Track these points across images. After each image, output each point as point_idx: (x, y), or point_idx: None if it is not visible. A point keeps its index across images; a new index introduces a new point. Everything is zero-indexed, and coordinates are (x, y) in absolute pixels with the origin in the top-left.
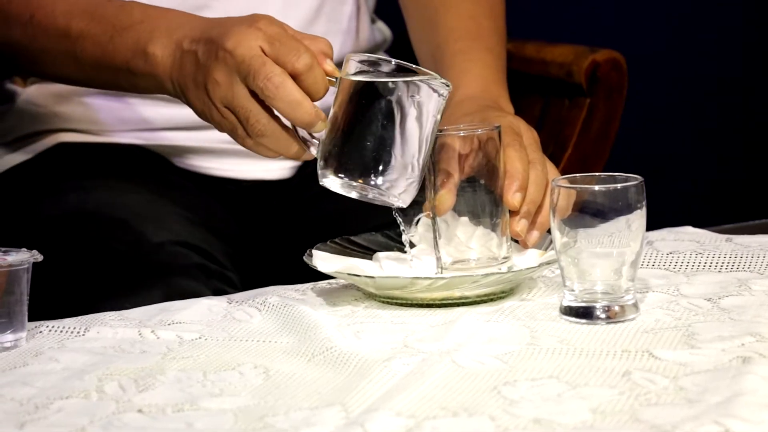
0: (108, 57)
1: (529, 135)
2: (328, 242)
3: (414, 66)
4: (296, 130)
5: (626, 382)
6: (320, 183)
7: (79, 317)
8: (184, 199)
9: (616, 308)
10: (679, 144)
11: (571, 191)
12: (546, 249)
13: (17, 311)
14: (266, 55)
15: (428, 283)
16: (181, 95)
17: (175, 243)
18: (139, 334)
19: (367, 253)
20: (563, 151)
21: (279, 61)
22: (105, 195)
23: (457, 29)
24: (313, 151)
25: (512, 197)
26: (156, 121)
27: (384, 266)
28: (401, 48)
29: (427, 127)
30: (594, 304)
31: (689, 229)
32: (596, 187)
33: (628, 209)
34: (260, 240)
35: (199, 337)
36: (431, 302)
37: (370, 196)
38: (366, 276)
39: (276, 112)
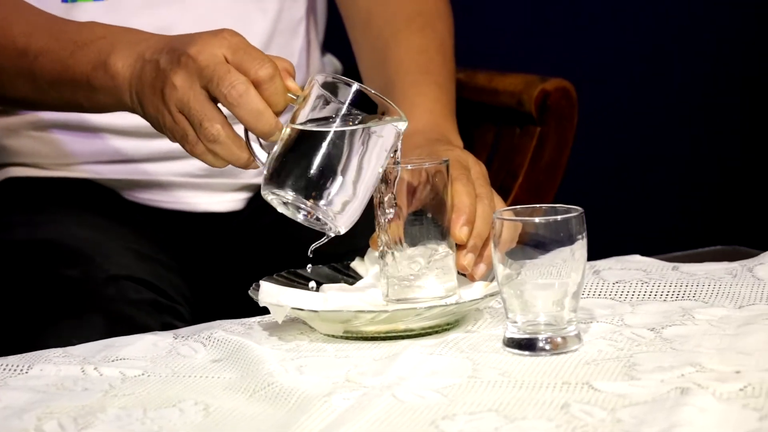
0: (68, 72)
1: (477, 169)
2: (274, 275)
3: (376, 94)
4: (247, 141)
5: (564, 414)
6: (262, 195)
7: (23, 354)
8: (134, 233)
9: (559, 339)
10: (631, 172)
11: (513, 223)
12: (491, 281)
13: None
14: (229, 63)
15: (371, 317)
16: (137, 105)
17: (123, 277)
18: (82, 371)
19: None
20: (514, 179)
21: (242, 69)
22: (54, 229)
23: (407, 63)
24: (260, 163)
25: (459, 231)
26: (107, 153)
27: (329, 299)
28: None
29: (378, 160)
30: (537, 336)
31: (636, 257)
32: (537, 219)
33: (569, 240)
34: (212, 272)
35: (142, 374)
36: (376, 335)
37: (310, 217)
38: (310, 310)
39: (229, 121)
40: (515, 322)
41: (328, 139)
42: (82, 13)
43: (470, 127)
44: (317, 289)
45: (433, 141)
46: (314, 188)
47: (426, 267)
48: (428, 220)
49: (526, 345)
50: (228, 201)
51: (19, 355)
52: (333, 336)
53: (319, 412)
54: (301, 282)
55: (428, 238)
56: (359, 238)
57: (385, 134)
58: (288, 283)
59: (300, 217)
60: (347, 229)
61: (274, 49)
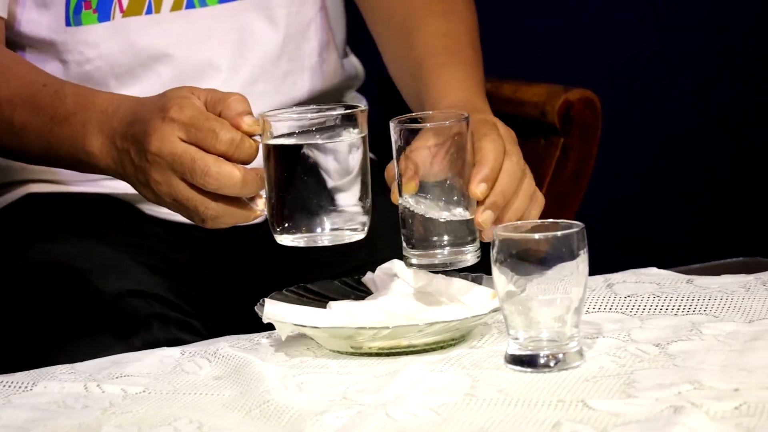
0: (53, 148)
1: (505, 130)
2: (284, 290)
3: (328, 107)
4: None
5: None
6: (277, 242)
7: (29, 371)
8: (151, 247)
9: (561, 356)
10: (653, 183)
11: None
12: None
13: None
14: (187, 143)
15: (373, 333)
16: (132, 186)
17: (137, 293)
18: (85, 388)
19: (324, 301)
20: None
21: (201, 147)
22: (70, 245)
23: (434, 46)
24: (263, 209)
25: (476, 187)
26: None
27: (334, 315)
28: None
29: (353, 164)
30: (539, 352)
31: (653, 270)
32: (537, 235)
33: (570, 256)
34: (230, 285)
35: (143, 391)
36: (380, 351)
37: (322, 243)
38: (312, 326)
39: None
40: (517, 339)
41: (297, 162)
42: (88, 36)
43: None
44: (327, 305)
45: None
46: (305, 223)
47: (447, 224)
48: (449, 183)
49: (528, 361)
50: None
51: (24, 372)
52: (339, 352)
53: (310, 431)
54: (310, 297)
55: (450, 195)
56: (372, 252)
57: (351, 137)
58: (297, 298)
59: (318, 244)
60: (366, 232)
61: (284, 55)
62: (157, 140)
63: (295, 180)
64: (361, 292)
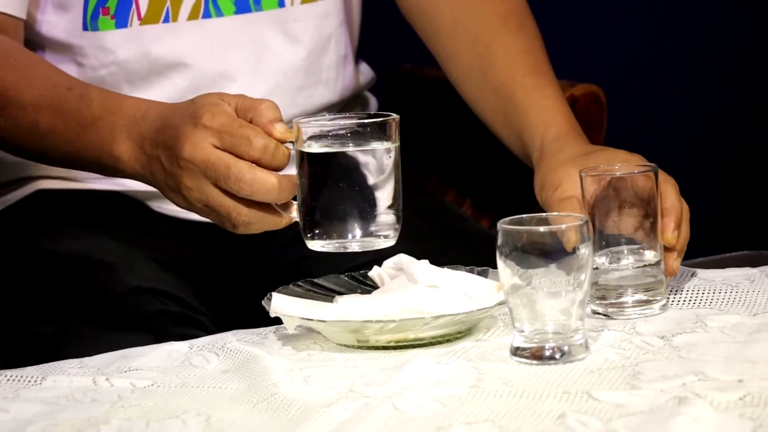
0: (78, 153)
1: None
2: (290, 285)
3: (361, 115)
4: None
5: (560, 425)
6: (309, 247)
7: (39, 366)
8: (159, 244)
9: (566, 348)
10: None
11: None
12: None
13: None
14: (221, 150)
15: (379, 326)
16: (160, 191)
17: (145, 289)
18: (94, 382)
19: (331, 295)
20: None
21: (234, 153)
22: (79, 241)
23: (520, 65)
24: (295, 216)
25: (672, 235)
26: None
27: (341, 309)
28: (392, 87)
29: (385, 171)
30: (544, 345)
31: None
32: (542, 228)
33: (575, 249)
34: (237, 281)
35: (152, 384)
36: (387, 345)
37: (353, 249)
38: (318, 320)
39: None
40: (522, 331)
41: (330, 170)
42: (105, 42)
43: None
44: (333, 299)
45: (576, 140)
46: (337, 228)
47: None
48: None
49: (534, 354)
50: None
51: (35, 366)
52: (346, 345)
53: (317, 423)
54: (317, 291)
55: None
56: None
57: (384, 148)
58: (304, 292)
59: (349, 249)
60: (395, 239)
61: (301, 71)
62: (189, 146)
63: (328, 186)
64: (368, 287)
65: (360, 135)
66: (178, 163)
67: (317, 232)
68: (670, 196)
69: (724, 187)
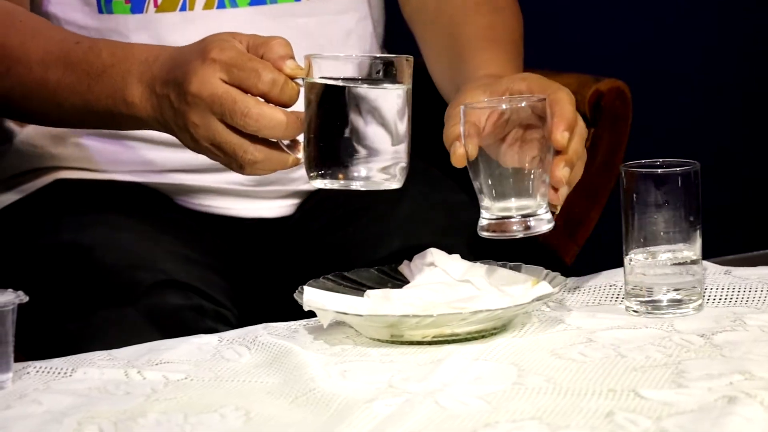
0: (90, 105)
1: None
2: (321, 278)
3: (373, 56)
4: (280, 141)
5: (608, 423)
6: (311, 184)
7: (68, 357)
8: (183, 237)
9: (532, 222)
10: None
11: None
12: (542, 278)
13: (2, 353)
14: (229, 84)
15: (416, 321)
16: (170, 134)
17: (169, 283)
18: (126, 375)
19: (361, 289)
20: None
21: (242, 87)
22: (102, 233)
23: (476, 37)
24: (299, 155)
25: (561, 135)
26: (155, 163)
27: (375, 303)
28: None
29: (394, 111)
30: (511, 220)
31: None
32: (504, 106)
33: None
34: (261, 277)
35: (185, 378)
36: (422, 340)
37: (356, 188)
38: (354, 314)
39: None
40: (489, 209)
41: (339, 107)
42: (119, 26)
43: None
44: (364, 293)
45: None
46: (342, 164)
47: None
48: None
49: (498, 228)
50: (278, 207)
51: (63, 358)
52: (379, 340)
53: (360, 419)
54: (347, 285)
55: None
56: (409, 238)
57: (395, 87)
58: (334, 286)
59: (352, 186)
60: (402, 182)
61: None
62: (197, 81)
63: (335, 124)
64: (398, 281)
65: (372, 74)
66: (185, 99)
67: (322, 170)
68: (560, 102)
69: (752, 183)
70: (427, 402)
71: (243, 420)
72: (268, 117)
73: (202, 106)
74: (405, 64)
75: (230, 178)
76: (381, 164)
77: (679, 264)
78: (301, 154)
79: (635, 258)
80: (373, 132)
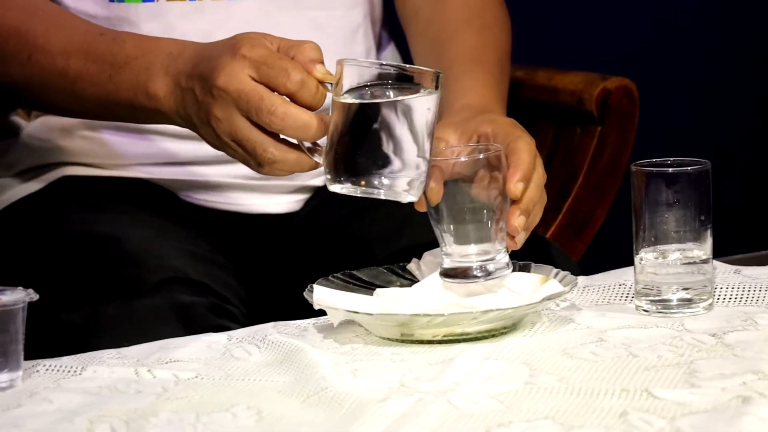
0: (110, 96)
1: (530, 137)
2: (330, 277)
3: (405, 66)
4: (301, 143)
5: (622, 423)
6: (328, 188)
7: (77, 355)
8: (189, 233)
9: (491, 267)
10: None
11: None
12: (551, 277)
13: (12, 351)
14: (257, 82)
15: (428, 320)
16: (193, 131)
17: (176, 279)
18: (136, 373)
19: (370, 288)
20: (574, 179)
21: (271, 86)
22: (109, 229)
23: (461, 56)
24: (319, 159)
25: (514, 186)
26: (161, 156)
27: (385, 302)
28: None
29: (422, 124)
30: (471, 265)
31: None
32: (463, 159)
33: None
34: (268, 274)
35: (196, 376)
36: (432, 339)
37: (378, 196)
38: (365, 313)
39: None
40: (450, 255)
41: (369, 116)
42: (130, 14)
43: (529, 126)
44: (372, 292)
45: (480, 112)
46: (365, 171)
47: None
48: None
49: (460, 274)
50: (284, 203)
51: (72, 356)
52: (388, 339)
53: (373, 418)
54: (356, 284)
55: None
56: (417, 235)
57: (425, 101)
58: (343, 285)
59: (372, 194)
60: (418, 197)
61: (326, 60)
62: (225, 75)
63: (361, 132)
64: (407, 280)
65: (401, 85)
66: (211, 92)
67: (343, 176)
68: (517, 152)
69: (759, 182)
70: (439, 401)
71: (255, 419)
72: (294, 117)
73: (228, 100)
74: (435, 76)
75: (236, 171)
76: (403, 176)
77: (690, 263)
78: (321, 159)
79: (646, 257)
80: (397, 143)
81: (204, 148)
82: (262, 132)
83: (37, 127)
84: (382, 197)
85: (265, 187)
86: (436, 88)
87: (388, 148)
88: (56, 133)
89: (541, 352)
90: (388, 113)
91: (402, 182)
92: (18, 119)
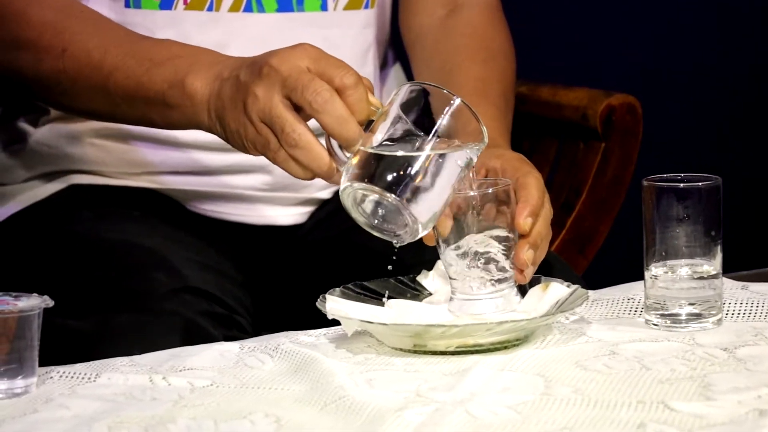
0: (142, 89)
1: (538, 172)
2: (341, 287)
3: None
4: (329, 149)
5: None
6: (341, 191)
7: (90, 363)
8: (196, 244)
9: (500, 300)
10: None
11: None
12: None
13: (27, 357)
14: (312, 72)
15: (442, 331)
16: (216, 123)
17: (185, 289)
18: (150, 381)
19: (381, 299)
20: (578, 195)
21: (325, 77)
22: (116, 239)
23: (466, 88)
24: (340, 168)
25: (524, 221)
26: (168, 165)
27: (398, 313)
28: None
29: (448, 182)
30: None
31: None
32: (472, 193)
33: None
34: (273, 284)
35: (211, 384)
36: (444, 350)
37: (383, 223)
38: (379, 323)
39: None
40: (456, 289)
41: (409, 159)
42: (146, 21)
43: (533, 142)
44: (385, 303)
45: (487, 146)
46: (393, 183)
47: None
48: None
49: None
50: (291, 215)
51: (85, 363)
52: (401, 349)
53: (393, 427)
54: (368, 294)
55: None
56: (426, 250)
57: (468, 157)
58: (355, 295)
59: (375, 222)
60: (421, 233)
61: None
62: (281, 57)
63: (396, 162)
64: (416, 291)
65: (444, 139)
66: (260, 71)
67: (368, 179)
68: (527, 187)
69: (765, 199)
70: (457, 411)
71: (274, 427)
72: (337, 106)
73: (275, 79)
74: (475, 149)
75: (244, 182)
76: (422, 204)
77: (700, 278)
78: (341, 168)
79: (656, 272)
80: (420, 193)
81: (212, 158)
82: (297, 116)
83: (45, 133)
84: (378, 235)
85: (272, 199)
86: (473, 156)
87: (418, 177)
88: (64, 140)
89: (555, 364)
90: (417, 163)
91: (420, 211)
92: (25, 125)
